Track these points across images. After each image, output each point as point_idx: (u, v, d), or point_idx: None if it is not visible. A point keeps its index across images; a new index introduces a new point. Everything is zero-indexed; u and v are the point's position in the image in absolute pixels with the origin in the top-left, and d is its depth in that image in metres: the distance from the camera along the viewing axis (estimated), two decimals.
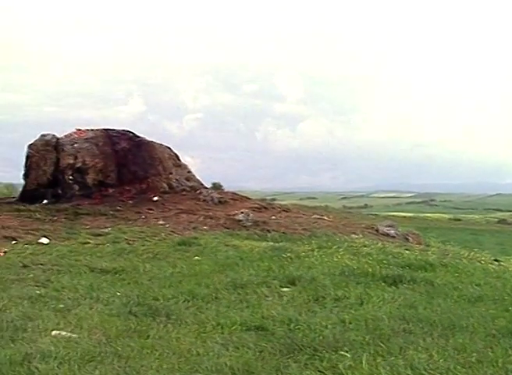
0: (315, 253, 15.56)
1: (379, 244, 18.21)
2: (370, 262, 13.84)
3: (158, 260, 14.62)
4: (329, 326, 8.04)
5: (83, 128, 30.30)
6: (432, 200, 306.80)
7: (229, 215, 23.74)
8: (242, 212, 23.63)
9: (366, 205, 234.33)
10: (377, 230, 24.84)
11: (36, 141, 28.94)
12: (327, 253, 15.53)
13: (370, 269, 12.63)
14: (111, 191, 27.02)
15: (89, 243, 17.00)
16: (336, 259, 14.31)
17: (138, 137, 30.63)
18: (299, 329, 7.98)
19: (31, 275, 12.01)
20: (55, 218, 21.35)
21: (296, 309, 9.29)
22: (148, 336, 7.65)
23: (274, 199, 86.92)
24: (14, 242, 16.59)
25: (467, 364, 6.59)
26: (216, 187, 41.79)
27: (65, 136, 29.30)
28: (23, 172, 28.40)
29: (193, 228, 20.87)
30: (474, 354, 6.94)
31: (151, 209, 24.41)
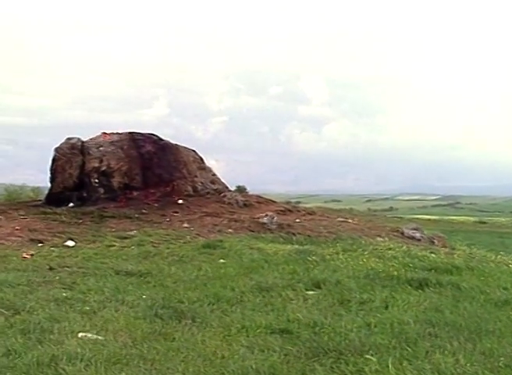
0: (340, 256, 15.53)
1: (404, 247, 18.10)
2: (395, 265, 13.69)
3: (183, 263, 14.64)
4: (355, 330, 8.01)
5: (108, 131, 30.08)
6: (457, 203, 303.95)
7: (254, 218, 23.66)
8: (266, 215, 23.58)
9: (391, 207, 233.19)
10: (402, 233, 24.67)
11: (62, 144, 28.99)
12: (352, 256, 15.52)
13: (395, 273, 12.54)
14: (136, 194, 27.03)
15: (114, 246, 17.10)
16: (361, 262, 14.28)
17: (163, 140, 30.59)
18: (324, 332, 7.93)
19: (57, 277, 12.11)
20: (81, 221, 21.36)
21: (321, 312, 9.24)
22: (174, 339, 7.68)
23: (298, 202, 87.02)
24: (40, 245, 16.77)
25: (495, 369, 6.53)
26: (240, 190, 41.79)
27: (91, 139, 29.29)
28: (49, 175, 28.35)
29: (218, 231, 20.86)
30: (502, 358, 6.88)
31: (175, 212, 24.34)
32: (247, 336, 7.91)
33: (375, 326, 8.27)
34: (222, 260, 15.04)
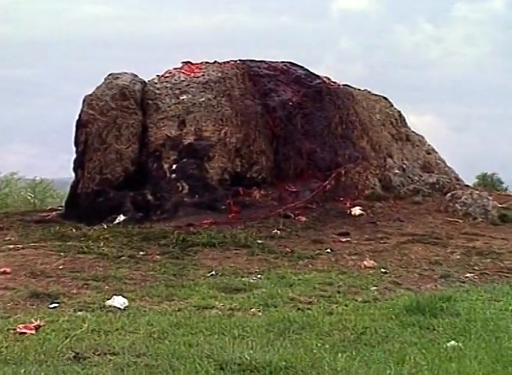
0: None
1: None
2: None
3: (363, 346, 13.68)
4: None
5: (195, 61, 29.05)
6: None
7: None
8: None
9: None
10: None
11: (99, 88, 26.34)
12: None
13: None
14: (258, 194, 25.97)
15: (214, 307, 15.88)
16: None
17: (316, 78, 28.76)
18: None
19: None
20: (142, 253, 20.30)
21: None
22: None
23: None
24: (54, 306, 15.66)
25: None
26: (489, 184, 40.99)
27: (160, 78, 27.91)
28: (73, 157, 25.93)
29: (442, 276, 19.57)
30: None
31: (344, 234, 23.55)
32: None
33: None
34: (452, 342, 13.83)
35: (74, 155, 26.37)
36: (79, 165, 24.45)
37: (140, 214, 24.02)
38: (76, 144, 25.56)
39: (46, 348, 13.11)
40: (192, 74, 24.95)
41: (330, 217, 22.92)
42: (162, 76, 25.22)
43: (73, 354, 12.29)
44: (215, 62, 25.87)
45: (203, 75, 24.84)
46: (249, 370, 12.03)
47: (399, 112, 28.24)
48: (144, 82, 25.35)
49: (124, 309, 15.87)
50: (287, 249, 21.97)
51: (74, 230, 22.24)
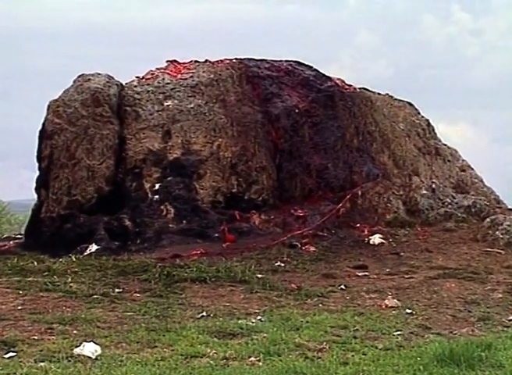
0: None
1: None
2: None
3: None
4: None
5: (183, 60, 29.21)
6: None
7: None
8: None
9: None
10: None
11: (67, 92, 26.35)
12: None
13: None
14: (258, 219, 25.56)
15: (206, 355, 15.71)
16: None
17: (327, 78, 28.45)
18: None
19: None
20: (118, 291, 20.16)
21: None
22: None
23: None
24: (10, 355, 15.60)
25: None
26: None
27: (140, 80, 27.92)
28: (36, 174, 25.65)
29: (480, 319, 19.13)
30: None
31: (361, 268, 23.18)
32: None
33: None
34: None
35: (37, 173, 24.55)
36: (42, 184, 23.00)
37: (116, 243, 22.80)
38: (39, 159, 24.03)
39: None
40: (179, 75, 24.38)
41: (344, 247, 22.25)
42: (143, 77, 24.50)
43: None
44: (207, 61, 25.13)
45: (192, 76, 24.17)
46: None
47: (427, 120, 27.47)
48: (121, 85, 23.99)
49: (96, 359, 15.25)
50: (293, 285, 21.51)
51: (36, 263, 21.65)
